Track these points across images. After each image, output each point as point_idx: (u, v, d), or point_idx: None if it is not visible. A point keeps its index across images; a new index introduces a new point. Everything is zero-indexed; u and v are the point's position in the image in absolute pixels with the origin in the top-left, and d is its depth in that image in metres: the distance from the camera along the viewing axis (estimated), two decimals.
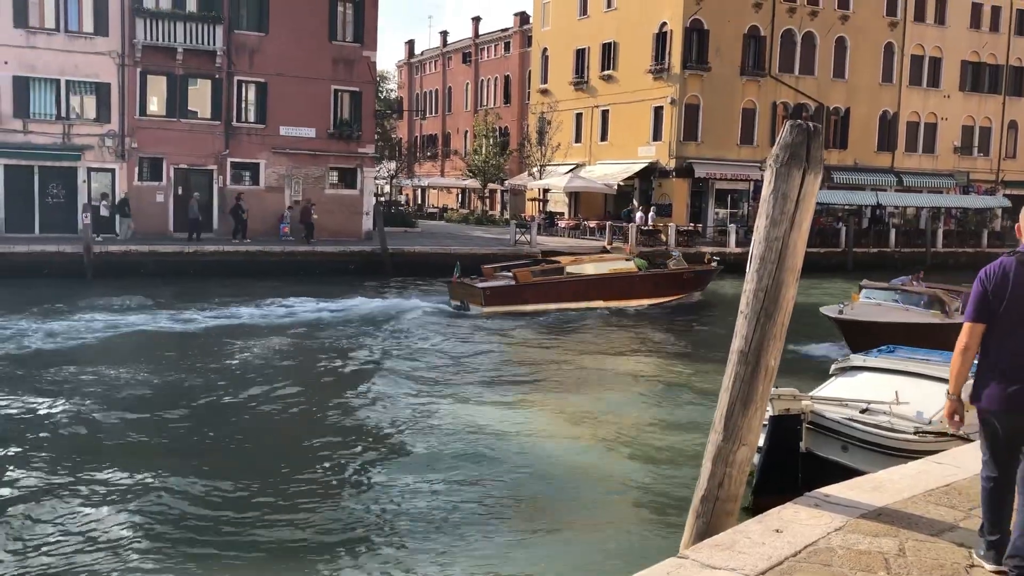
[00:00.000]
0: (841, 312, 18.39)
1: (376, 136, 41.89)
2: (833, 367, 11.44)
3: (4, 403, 13.57)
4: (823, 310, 18.74)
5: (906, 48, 48.92)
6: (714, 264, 29.32)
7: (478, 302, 24.42)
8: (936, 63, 50.17)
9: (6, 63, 31.98)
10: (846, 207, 45.80)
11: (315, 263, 31.78)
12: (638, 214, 42.20)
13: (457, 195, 69.27)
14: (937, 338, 15.12)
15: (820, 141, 4.94)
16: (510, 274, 25.27)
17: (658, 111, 44.30)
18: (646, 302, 26.17)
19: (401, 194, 69.84)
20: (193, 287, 27.09)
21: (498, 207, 62.23)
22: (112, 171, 33.96)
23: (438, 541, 8.77)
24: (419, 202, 71.82)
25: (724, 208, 45.45)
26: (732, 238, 39.55)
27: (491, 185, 58.85)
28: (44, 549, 8.47)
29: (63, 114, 33.05)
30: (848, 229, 42.51)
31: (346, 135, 37.49)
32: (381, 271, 32.14)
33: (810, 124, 4.97)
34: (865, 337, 16.73)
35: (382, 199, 45.98)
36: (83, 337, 19.70)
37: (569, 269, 26.04)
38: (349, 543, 8.78)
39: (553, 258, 29.63)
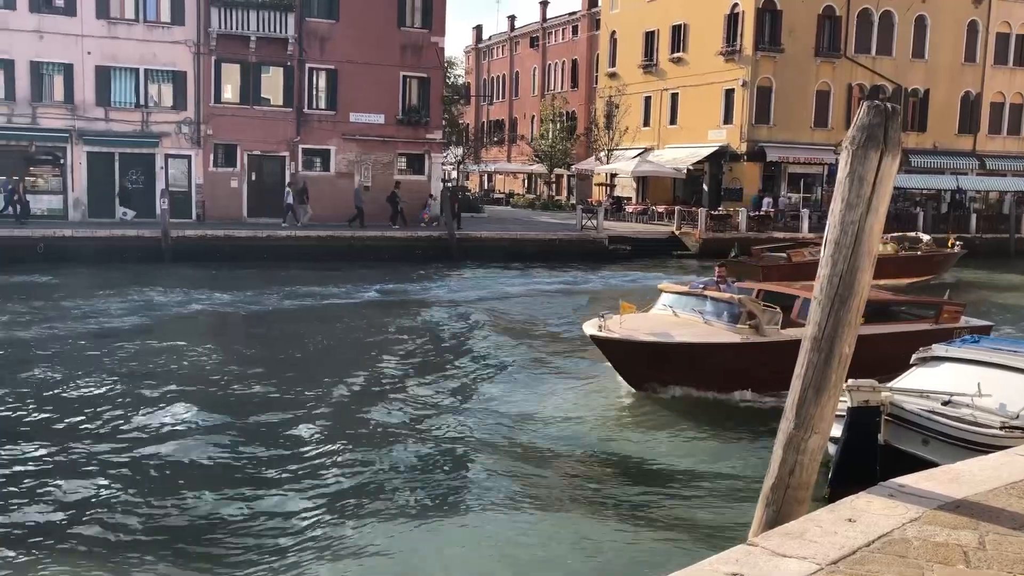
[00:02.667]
0: (600, 328, 13.36)
1: (443, 122, 42.11)
2: (914, 357, 11.08)
3: (75, 378, 14.10)
4: (585, 326, 13.97)
5: (991, 26, 47.02)
6: (958, 247, 31.32)
7: (756, 279, 25.27)
8: None
9: (89, 53, 33.03)
10: (924, 191, 44.37)
11: (383, 248, 32.14)
12: (766, 199, 41.62)
13: (523, 180, 69.24)
14: (738, 363, 13.11)
15: (898, 122, 4.80)
16: (784, 254, 28.39)
17: (729, 94, 43.53)
18: (903, 281, 27.71)
19: (467, 180, 70.09)
20: (267, 271, 27.70)
21: (564, 192, 62.02)
22: (188, 157, 34.85)
23: (531, 525, 8.93)
24: (485, 188, 72.03)
25: (797, 192, 44.50)
26: (805, 223, 38.72)
27: (557, 170, 58.67)
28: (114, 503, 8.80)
29: (142, 102, 34.02)
30: (926, 214, 41.22)
31: (414, 121, 37.77)
32: (448, 256, 32.37)
33: (888, 105, 4.83)
34: (635, 363, 13.52)
35: (449, 185, 46.21)
36: (159, 317, 20.35)
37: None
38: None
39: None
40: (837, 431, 9.02)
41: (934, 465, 6.92)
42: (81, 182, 33.29)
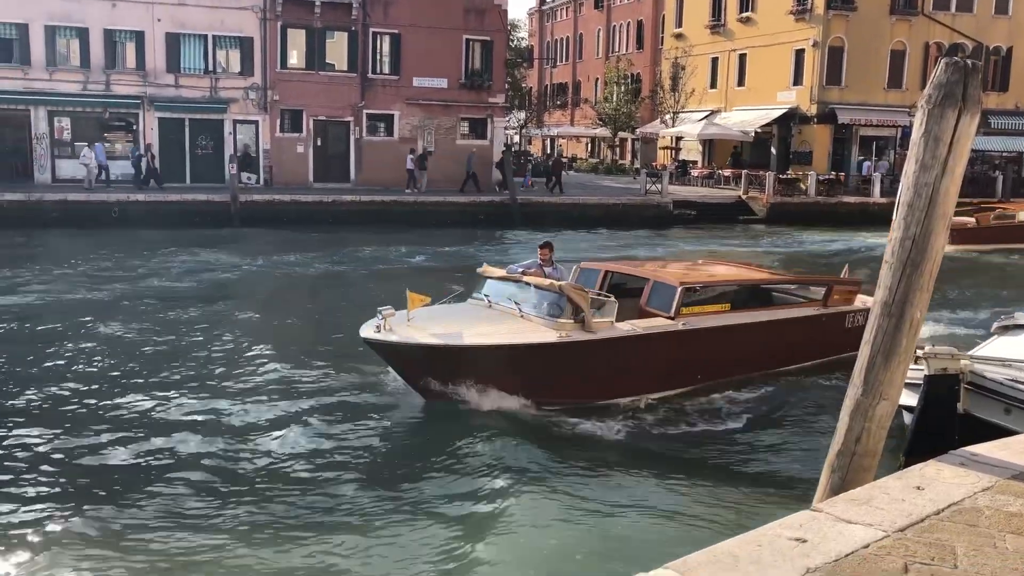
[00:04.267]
0: (379, 329, 10.62)
1: (506, 85, 41.91)
2: (995, 325, 10.73)
3: (131, 334, 14.55)
4: (363, 328, 10.93)
5: None
6: None
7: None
8: None
9: (159, 20, 33.63)
10: (1004, 154, 42.72)
11: (445, 213, 32.29)
12: (866, 163, 40.70)
13: (586, 144, 68.65)
14: (552, 368, 10.71)
15: (978, 80, 4.61)
16: (972, 219, 28.63)
17: (799, 54, 42.35)
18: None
19: (530, 144, 69.79)
20: (330, 235, 28.09)
21: (628, 156, 61.35)
22: (255, 123, 35.38)
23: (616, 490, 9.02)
24: (548, 152, 71.64)
25: (868, 156, 43.26)
26: (876, 188, 37.68)
27: (621, 134, 57.99)
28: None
29: (210, 68, 34.58)
30: (1005, 178, 39.74)
31: (477, 85, 37.67)
32: (510, 222, 32.38)
33: (967, 61, 4.64)
34: (420, 371, 10.86)
35: (512, 149, 46.05)
36: (227, 276, 20.85)
37: (1020, 216, 29.50)
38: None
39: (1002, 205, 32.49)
40: (911, 400, 8.83)
41: (1016, 435, 6.73)
42: (153, 148, 34.01)
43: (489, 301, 11.61)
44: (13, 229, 26.34)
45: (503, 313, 11.29)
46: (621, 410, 11.16)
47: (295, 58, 35.79)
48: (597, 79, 64.70)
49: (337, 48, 36.25)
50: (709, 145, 48.94)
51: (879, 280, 4.84)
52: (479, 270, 12.39)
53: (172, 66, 34.06)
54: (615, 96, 56.00)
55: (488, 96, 38.11)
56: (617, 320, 11.22)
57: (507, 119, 45.22)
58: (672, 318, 11.48)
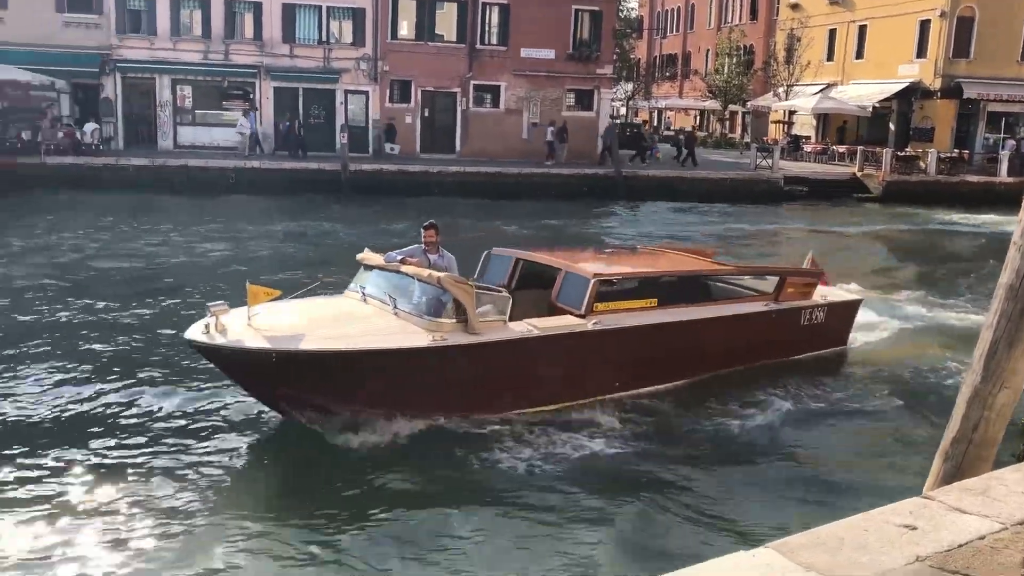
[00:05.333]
0: (208, 330, 8.82)
1: (614, 57, 41.35)
2: None
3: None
4: (189, 331, 8.98)
5: None
6: None
7: None
8: None
9: None
10: None
11: (551, 185, 32.22)
12: (1010, 142, 38.89)
13: (695, 117, 67.23)
14: (423, 377, 9.06)
15: None
16: None
17: (924, 25, 40.30)
18: None
19: (637, 116, 68.79)
20: (436, 205, 28.45)
21: (738, 130, 59.80)
22: (366, 93, 36.00)
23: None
24: (655, 124, 70.50)
25: (996, 133, 40.97)
26: (1003, 167, 35.70)
27: (732, 107, 56.50)
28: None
29: (324, 39, 35.30)
30: None
31: (585, 56, 37.31)
32: (614, 194, 32.10)
33: None
34: (258, 380, 9.10)
35: (617, 121, 45.54)
36: (330, 242, 21.42)
37: None
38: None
39: None
40: None
41: None
42: (268, 117, 35.10)
43: (363, 294, 9.75)
44: (139, 192, 27.72)
45: (377, 309, 9.46)
46: (523, 423, 9.53)
47: (405, 29, 36.19)
48: (708, 50, 63.12)
49: (446, 19, 36.46)
50: (823, 120, 47.24)
51: (1006, 262, 4.60)
52: (359, 256, 10.28)
53: (288, 36, 34.92)
54: (726, 68, 54.54)
55: (596, 67, 37.71)
56: (525, 317, 9.71)
57: (614, 91, 44.69)
58: (583, 316, 9.85)
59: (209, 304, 8.90)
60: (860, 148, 38.28)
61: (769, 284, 12.12)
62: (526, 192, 31.26)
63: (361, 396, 8.98)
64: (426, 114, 36.65)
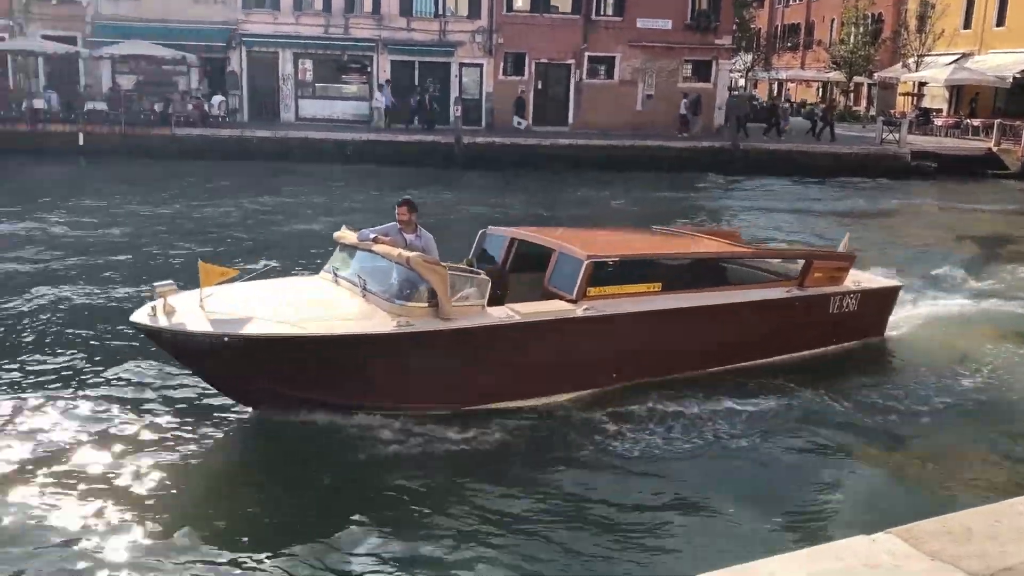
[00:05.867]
0: (156, 312, 8.07)
1: (734, 27, 40.16)
2: None
3: None
4: (135, 314, 8.24)
5: None
6: None
7: None
8: None
9: None
10: None
11: (663, 157, 31.60)
12: None
13: (817, 89, 64.75)
14: (390, 366, 8.37)
15: None
16: None
17: None
18: None
19: (755, 88, 66.79)
20: (547, 177, 28.50)
21: (863, 103, 57.30)
22: (480, 66, 36.14)
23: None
24: (775, 96, 68.30)
25: None
26: None
27: (857, 78, 54.16)
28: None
29: (440, 12, 35.57)
30: None
31: (703, 26, 36.39)
32: (731, 168, 31.32)
33: None
34: (213, 366, 8.38)
35: (735, 93, 44.30)
36: (439, 212, 21.68)
37: None
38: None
39: None
40: None
41: None
42: (385, 89, 35.65)
43: (335, 275, 9.12)
44: (262, 162, 28.76)
45: (347, 291, 8.80)
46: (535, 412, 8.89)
47: (520, 1, 36.07)
48: (833, 19, 60.55)
49: None
50: (956, 92, 44.72)
51: None
52: (335, 234, 9.53)
53: (404, 10, 35.33)
54: (852, 38, 52.24)
55: (714, 37, 36.73)
56: (521, 302, 9.08)
57: (733, 61, 43.46)
58: (574, 301, 9.08)
59: (155, 284, 8.19)
60: (997, 121, 36.06)
61: (794, 268, 11.12)
62: (640, 165, 30.80)
63: (316, 385, 8.25)
64: (539, 86, 36.54)
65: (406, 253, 8.45)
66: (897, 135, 34.14)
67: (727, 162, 31.69)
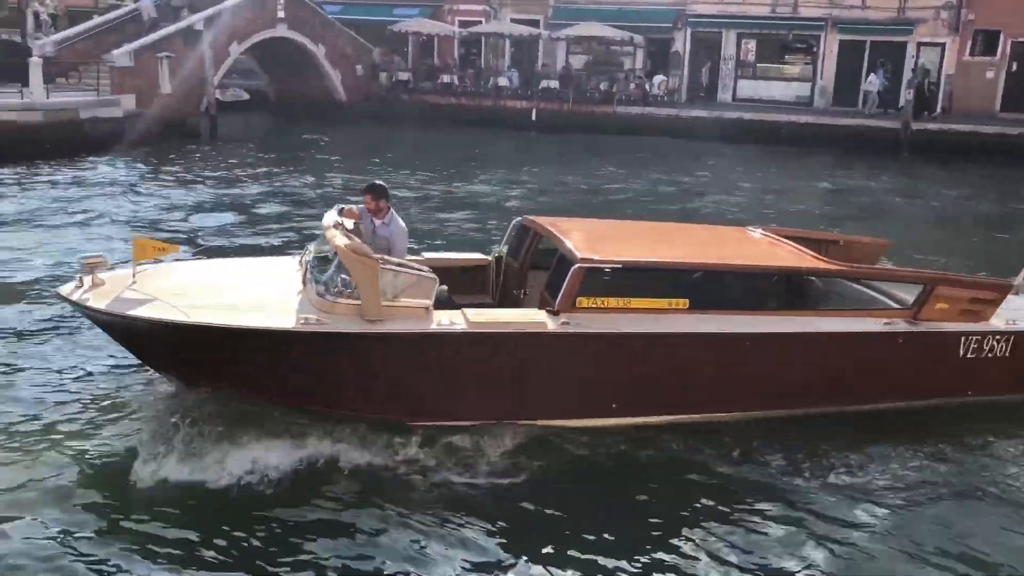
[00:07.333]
0: (82, 286, 7.33)
1: None
2: None
3: None
4: (63, 287, 7.46)
5: None
6: None
7: None
8: None
9: None
10: None
11: None
12: None
13: None
14: (297, 366, 7.04)
15: None
16: None
17: None
18: None
19: None
20: (1014, 172, 25.14)
21: None
22: (942, 46, 32.77)
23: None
24: None
25: None
26: None
27: None
28: None
29: None
30: None
31: None
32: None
33: None
34: (145, 346, 7.47)
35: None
36: (861, 202, 20.11)
37: None
38: None
39: None
40: None
41: None
42: (829, 71, 33.95)
43: (302, 260, 8.09)
44: (692, 142, 29.12)
45: (296, 278, 7.85)
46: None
47: None
48: None
49: None
50: None
51: None
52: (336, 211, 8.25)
53: None
54: None
55: None
56: (532, 306, 7.83)
57: None
58: (555, 312, 7.39)
59: (83, 255, 7.68)
60: None
61: (909, 295, 8.53)
62: None
63: (218, 376, 7.37)
64: (1013, 68, 32.12)
65: (342, 239, 7.23)
66: None
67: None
